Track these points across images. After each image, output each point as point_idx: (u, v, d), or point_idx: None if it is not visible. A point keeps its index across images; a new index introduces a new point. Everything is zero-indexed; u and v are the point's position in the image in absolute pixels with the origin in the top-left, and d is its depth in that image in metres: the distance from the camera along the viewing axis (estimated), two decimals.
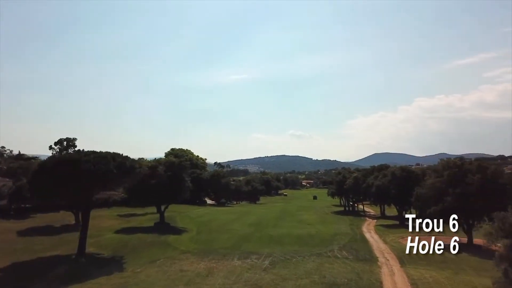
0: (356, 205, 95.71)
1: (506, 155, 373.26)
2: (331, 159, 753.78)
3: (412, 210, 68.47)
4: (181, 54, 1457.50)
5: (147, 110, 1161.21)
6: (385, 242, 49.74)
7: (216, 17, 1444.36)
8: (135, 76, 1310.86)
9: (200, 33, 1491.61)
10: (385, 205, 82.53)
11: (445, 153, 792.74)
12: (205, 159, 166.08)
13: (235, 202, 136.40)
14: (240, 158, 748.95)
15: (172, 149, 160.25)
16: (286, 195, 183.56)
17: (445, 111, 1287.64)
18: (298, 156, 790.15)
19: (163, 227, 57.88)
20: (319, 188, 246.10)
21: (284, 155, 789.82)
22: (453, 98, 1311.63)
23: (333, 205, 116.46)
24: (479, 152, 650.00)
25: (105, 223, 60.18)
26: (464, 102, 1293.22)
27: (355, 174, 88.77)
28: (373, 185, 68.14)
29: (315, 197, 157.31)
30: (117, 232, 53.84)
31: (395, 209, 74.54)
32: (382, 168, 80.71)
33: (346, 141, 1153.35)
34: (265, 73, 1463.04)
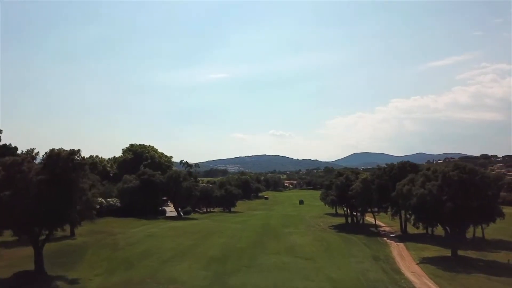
0: (363, 216, 69.17)
1: (478, 154, 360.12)
2: (312, 159, 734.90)
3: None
4: (159, 52, 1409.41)
5: (124, 109, 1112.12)
6: None
7: (195, 15, 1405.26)
8: (112, 74, 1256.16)
9: (179, 32, 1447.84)
10: (401, 217, 56.97)
11: (423, 153, 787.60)
12: (171, 157, 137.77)
13: (205, 210, 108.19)
14: (220, 158, 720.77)
15: (131, 145, 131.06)
16: (267, 198, 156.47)
17: (420, 112, 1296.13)
18: (278, 155, 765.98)
19: (34, 278, 29.15)
20: (303, 189, 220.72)
21: (265, 154, 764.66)
22: (428, 99, 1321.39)
23: (327, 214, 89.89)
24: (455, 152, 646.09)
25: None
26: (439, 103, 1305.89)
27: (363, 176, 62.23)
28: (410, 194, 41.33)
29: (301, 202, 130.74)
30: None
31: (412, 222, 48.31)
32: (417, 167, 55.05)
33: (326, 141, 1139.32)
34: (245, 72, 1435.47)
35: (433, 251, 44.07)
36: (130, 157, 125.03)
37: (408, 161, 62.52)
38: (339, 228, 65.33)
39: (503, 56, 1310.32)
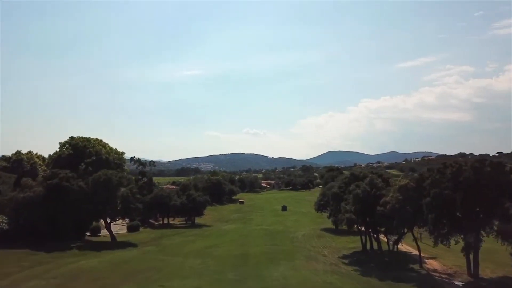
0: (397, 245, 43.66)
1: (451, 154, 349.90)
2: (287, 157, 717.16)
3: None
4: (130, 48, 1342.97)
5: (91, 106, 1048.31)
6: None
7: (169, 10, 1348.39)
8: (79, 70, 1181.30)
9: (152, 27, 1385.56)
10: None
11: (395, 151, 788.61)
12: (123, 153, 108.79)
13: (161, 222, 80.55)
14: (194, 156, 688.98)
15: (72, 138, 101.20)
16: (243, 202, 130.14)
17: (390, 112, 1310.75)
18: (253, 154, 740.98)
19: None
20: (282, 190, 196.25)
21: (240, 153, 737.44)
22: (397, 99, 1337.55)
23: (325, 230, 64.77)
24: (425, 151, 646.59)
25: None
26: (407, 103, 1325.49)
27: (403, 182, 36.95)
28: None
29: (284, 208, 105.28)
30: None
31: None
32: (503, 168, 30.64)
33: (300, 140, 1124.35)
34: (219, 70, 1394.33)
35: None
36: (68, 152, 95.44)
37: (490, 160, 37.92)
38: (358, 262, 39.94)
39: (466, 58, 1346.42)
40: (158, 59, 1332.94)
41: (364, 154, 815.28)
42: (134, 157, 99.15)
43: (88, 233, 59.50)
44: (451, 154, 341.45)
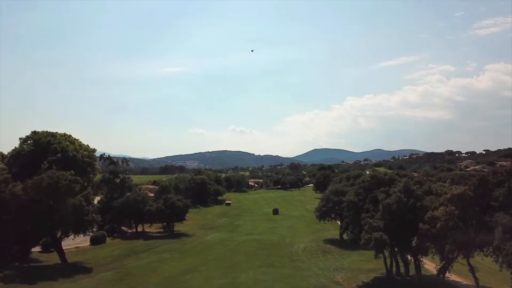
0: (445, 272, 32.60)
1: (439, 151, 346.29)
2: (273, 155, 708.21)
3: None
4: (112, 44, 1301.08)
5: (73, 102, 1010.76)
6: None
7: (151, 5, 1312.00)
8: (60, 65, 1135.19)
9: (131, 23, 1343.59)
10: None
11: (381, 149, 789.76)
12: (94, 150, 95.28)
13: (134, 230, 68.15)
14: (179, 154, 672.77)
15: (34, 132, 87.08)
16: (229, 203, 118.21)
17: (374, 110, 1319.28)
18: (240, 151, 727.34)
19: None
20: (271, 189, 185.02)
21: (226, 150, 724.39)
22: (380, 97, 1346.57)
23: (328, 242, 53.79)
24: (410, 148, 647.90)
25: None
26: (391, 101, 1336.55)
27: (458, 191, 26.00)
28: None
29: (275, 211, 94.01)
30: None
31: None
32: None
33: (285, 137, 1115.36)
34: (203, 66, 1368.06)
35: None
36: (29, 149, 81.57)
37: None
38: None
39: (447, 58, 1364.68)
40: (141, 55, 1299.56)
41: (350, 151, 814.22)
42: (104, 154, 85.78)
43: (39, 248, 47.27)
44: (439, 152, 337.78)
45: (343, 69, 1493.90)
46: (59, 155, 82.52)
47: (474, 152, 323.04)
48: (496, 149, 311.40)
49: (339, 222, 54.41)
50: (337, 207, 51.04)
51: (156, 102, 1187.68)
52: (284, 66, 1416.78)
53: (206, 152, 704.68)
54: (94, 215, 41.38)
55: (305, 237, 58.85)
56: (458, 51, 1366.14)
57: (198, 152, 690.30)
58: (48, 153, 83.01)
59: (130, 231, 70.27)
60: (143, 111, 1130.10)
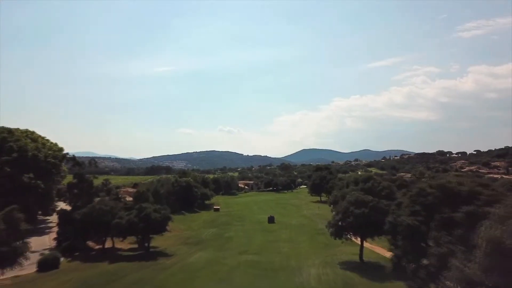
0: None
1: (430, 152, 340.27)
2: (262, 155, 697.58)
3: None
4: (100, 44, 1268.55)
5: (63, 101, 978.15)
6: None
7: (141, 5, 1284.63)
8: (50, 63, 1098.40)
9: (120, 23, 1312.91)
10: None
11: (369, 149, 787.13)
12: (61, 149, 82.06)
13: (101, 247, 54.70)
14: (166, 154, 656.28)
15: None
16: (218, 209, 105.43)
17: (360, 111, 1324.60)
18: (228, 151, 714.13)
19: None
20: (262, 191, 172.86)
21: (214, 150, 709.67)
22: (367, 98, 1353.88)
23: (344, 266, 41.68)
24: (398, 149, 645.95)
25: None
26: (377, 102, 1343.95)
27: None
28: None
29: (271, 219, 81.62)
30: None
31: None
32: None
33: (274, 137, 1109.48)
34: (192, 66, 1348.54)
35: None
36: None
37: None
38: None
39: (431, 59, 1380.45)
40: (131, 55, 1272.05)
41: (338, 152, 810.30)
42: (68, 153, 71.86)
43: None
44: (431, 152, 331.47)
45: (330, 70, 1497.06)
46: (15, 154, 68.78)
47: (465, 153, 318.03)
48: (487, 150, 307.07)
49: (358, 240, 42.36)
50: (356, 223, 39.02)
51: (144, 102, 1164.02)
52: (271, 66, 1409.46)
53: (194, 152, 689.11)
54: (20, 242, 28.15)
55: (313, 257, 46.63)
56: (442, 53, 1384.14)
57: (186, 152, 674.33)
58: (2, 152, 69.32)
59: (97, 247, 57.07)
60: (131, 111, 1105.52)
